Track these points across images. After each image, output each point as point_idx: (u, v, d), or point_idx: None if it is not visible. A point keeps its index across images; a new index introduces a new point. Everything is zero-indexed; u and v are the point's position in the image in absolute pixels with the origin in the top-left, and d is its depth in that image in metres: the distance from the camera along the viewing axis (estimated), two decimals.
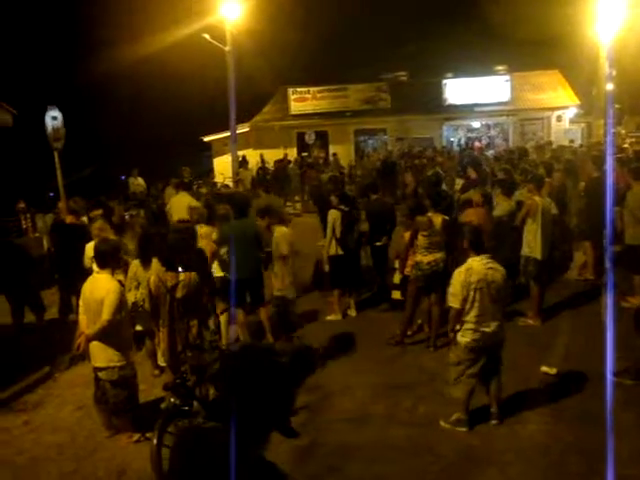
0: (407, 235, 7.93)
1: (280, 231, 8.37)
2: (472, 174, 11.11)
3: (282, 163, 23.29)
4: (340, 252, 8.80)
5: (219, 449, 1.90)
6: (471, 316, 5.44)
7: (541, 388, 6.36)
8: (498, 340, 5.61)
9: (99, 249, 5.82)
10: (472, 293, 5.39)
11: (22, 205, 17.38)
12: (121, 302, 5.66)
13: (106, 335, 5.51)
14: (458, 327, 5.53)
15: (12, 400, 6.95)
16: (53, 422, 6.42)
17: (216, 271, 7.96)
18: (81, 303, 5.82)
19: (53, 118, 10.82)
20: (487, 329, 5.45)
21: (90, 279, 5.76)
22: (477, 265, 5.45)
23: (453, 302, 5.51)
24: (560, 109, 28.92)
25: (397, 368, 7.14)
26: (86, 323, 5.64)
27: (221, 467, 1.87)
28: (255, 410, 1.95)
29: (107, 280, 5.69)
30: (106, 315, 5.44)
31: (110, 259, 5.78)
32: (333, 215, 8.81)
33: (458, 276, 5.49)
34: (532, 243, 8.18)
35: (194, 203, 10.09)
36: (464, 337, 5.50)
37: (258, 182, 14.59)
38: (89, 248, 7.41)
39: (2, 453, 5.84)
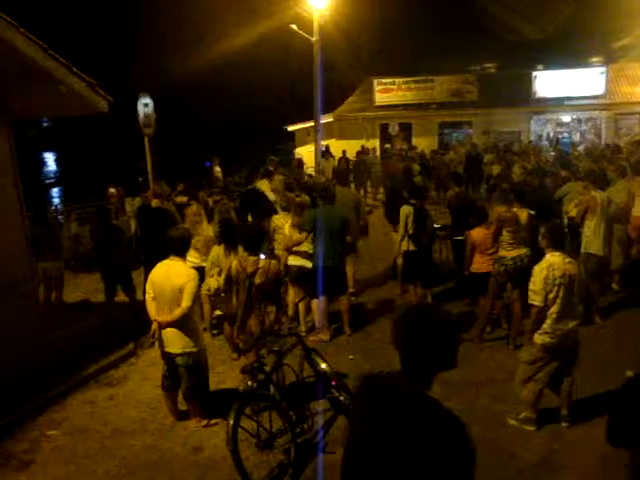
0: (474, 232, 7.74)
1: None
2: (562, 172, 11.13)
3: (362, 154, 23.15)
4: (412, 248, 8.57)
5: (400, 393, 2.33)
6: (552, 312, 5.26)
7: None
8: (575, 338, 5.42)
9: (174, 237, 5.78)
10: (555, 289, 5.23)
11: (113, 189, 18.13)
12: (198, 289, 5.79)
13: (183, 321, 5.56)
14: (538, 326, 5.36)
15: (99, 374, 7.31)
16: (135, 397, 6.71)
17: (293, 259, 8.05)
18: (150, 290, 5.73)
19: (145, 105, 11.20)
20: (565, 327, 5.28)
21: (162, 265, 5.72)
22: (558, 261, 5.28)
23: (535, 300, 5.29)
24: None
25: (474, 365, 6.97)
26: (156, 309, 5.64)
27: (402, 405, 2.30)
28: (432, 357, 2.34)
29: (185, 267, 5.78)
30: (187, 302, 5.49)
31: (185, 246, 5.88)
32: (405, 211, 8.58)
33: (540, 273, 5.28)
34: (590, 239, 8.07)
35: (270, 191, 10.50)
36: (542, 335, 5.32)
37: (339, 173, 14.55)
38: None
39: (89, 424, 6.15)
